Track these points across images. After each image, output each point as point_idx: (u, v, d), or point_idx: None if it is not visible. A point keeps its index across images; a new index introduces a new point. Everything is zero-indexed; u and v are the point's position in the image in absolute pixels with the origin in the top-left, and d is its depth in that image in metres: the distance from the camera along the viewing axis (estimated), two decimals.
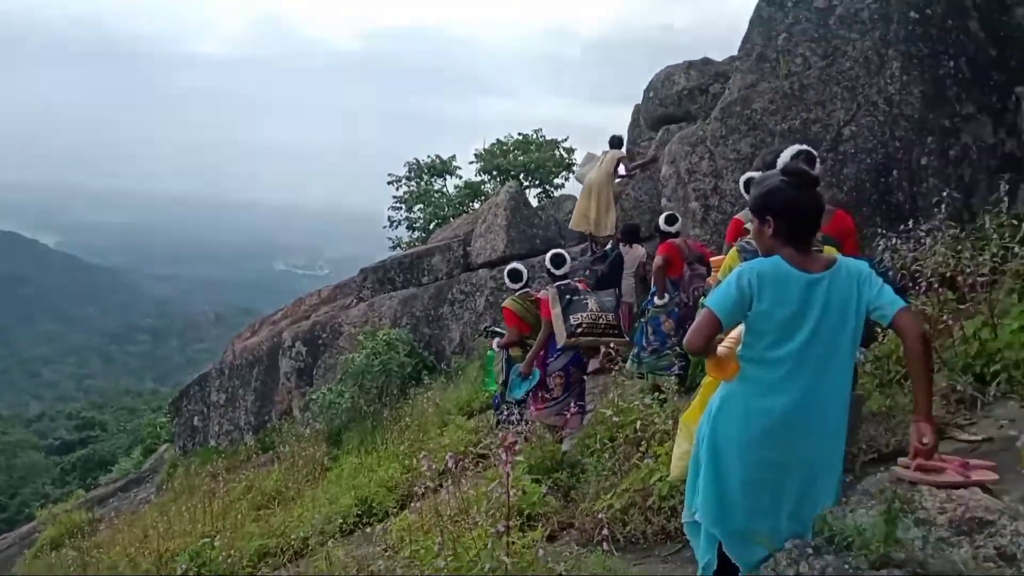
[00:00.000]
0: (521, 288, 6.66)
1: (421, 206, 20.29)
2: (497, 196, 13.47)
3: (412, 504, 6.38)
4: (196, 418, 15.80)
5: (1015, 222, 5.24)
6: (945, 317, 4.77)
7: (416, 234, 20.15)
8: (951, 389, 4.53)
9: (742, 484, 2.60)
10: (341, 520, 7.28)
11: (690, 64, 11.39)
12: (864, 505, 2.42)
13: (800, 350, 2.52)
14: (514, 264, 6.74)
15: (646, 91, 11.98)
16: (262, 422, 14.02)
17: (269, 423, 13.77)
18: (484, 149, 20.17)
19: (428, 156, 21.19)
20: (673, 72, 11.43)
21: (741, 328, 2.66)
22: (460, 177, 20.99)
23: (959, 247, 5.19)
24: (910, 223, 5.79)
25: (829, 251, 3.12)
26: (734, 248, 3.67)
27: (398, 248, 19.88)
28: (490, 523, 4.21)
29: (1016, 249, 4.82)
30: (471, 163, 20.23)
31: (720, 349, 2.66)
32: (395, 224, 20.88)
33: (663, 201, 8.43)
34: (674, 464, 3.27)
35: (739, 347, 2.66)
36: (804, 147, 4.37)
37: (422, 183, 20.75)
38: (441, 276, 13.09)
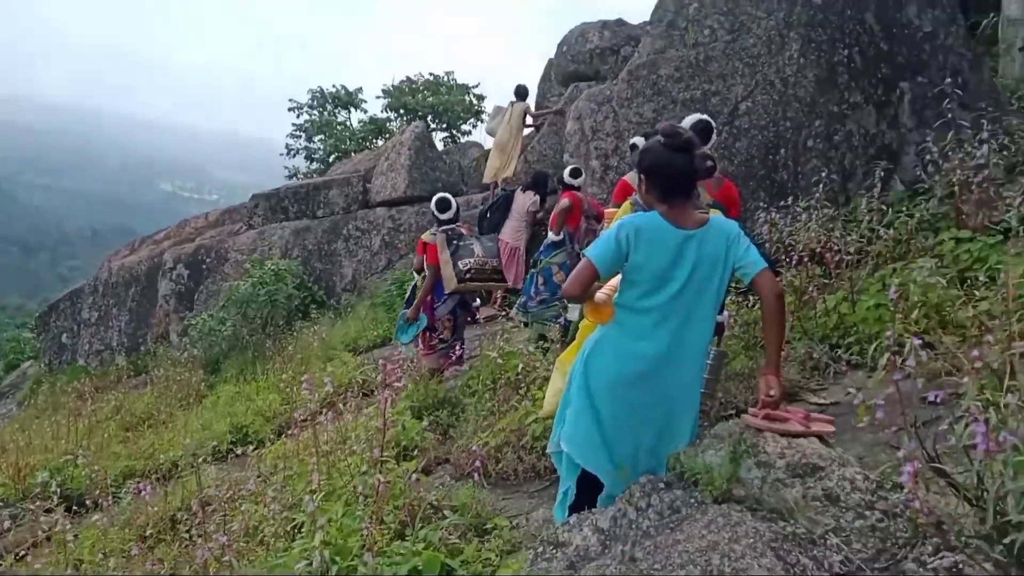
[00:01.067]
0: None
1: (322, 137, 19.71)
2: (402, 135, 13.24)
3: (289, 432, 6.34)
4: (65, 335, 15.00)
5: (884, 207, 5.65)
6: (811, 289, 5.11)
7: (315, 165, 19.61)
8: (808, 356, 4.89)
9: (608, 419, 2.77)
10: (214, 445, 7.16)
11: (604, 24, 11.44)
12: (714, 448, 2.61)
13: (669, 301, 2.69)
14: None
15: (559, 45, 11.96)
16: (136, 344, 13.46)
17: (143, 346, 13.24)
18: (393, 86, 19.72)
19: (333, 86, 20.53)
20: (588, 30, 11.45)
21: (619, 277, 2.80)
22: (365, 112, 20.50)
23: (831, 226, 5.56)
24: (790, 200, 6.15)
25: (715, 214, 3.30)
26: (627, 202, 3.80)
27: (295, 178, 19.28)
28: (367, 452, 4.29)
29: (881, 232, 5.20)
30: (378, 98, 19.77)
31: (598, 295, 2.82)
32: (293, 153, 20.23)
33: (566, 156, 8.52)
34: (547, 400, 3.43)
35: (615, 295, 2.81)
36: (703, 117, 4.58)
37: (325, 113, 20.11)
38: (338, 211, 12.82)
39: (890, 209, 5.61)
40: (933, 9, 7.65)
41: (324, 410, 5.56)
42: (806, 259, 5.41)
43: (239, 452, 6.35)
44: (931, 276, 4.20)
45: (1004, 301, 3.95)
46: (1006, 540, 1.64)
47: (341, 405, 5.90)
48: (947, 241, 5.14)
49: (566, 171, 7.23)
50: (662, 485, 2.56)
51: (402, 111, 19.33)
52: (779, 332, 2.72)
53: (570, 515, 2.92)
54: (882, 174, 5.63)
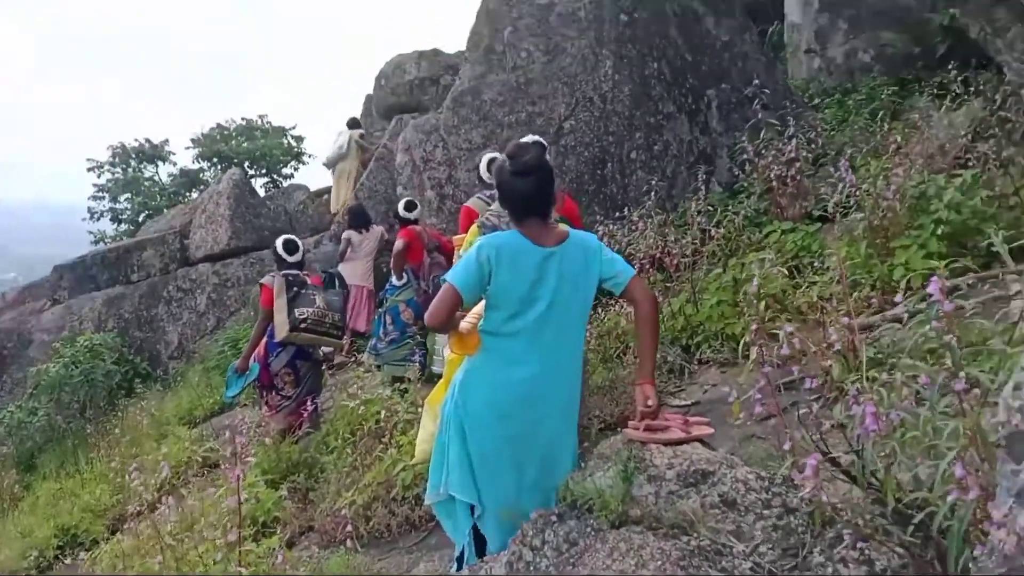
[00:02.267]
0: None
1: (129, 195, 18.26)
2: (219, 184, 12.47)
3: (125, 527, 5.63)
4: None
5: (711, 208, 5.89)
6: (658, 295, 5.21)
7: (124, 227, 18.10)
8: (663, 360, 4.96)
9: (489, 454, 2.61)
10: (37, 555, 6.26)
11: (421, 54, 11.42)
12: (601, 468, 2.49)
13: (537, 321, 2.57)
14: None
15: (377, 79, 11.82)
16: None
17: None
18: (203, 134, 18.66)
19: (136, 139, 19.14)
20: (404, 61, 11.39)
21: (482, 304, 2.65)
22: (175, 164, 19.25)
23: (665, 232, 5.72)
24: (625, 211, 6.30)
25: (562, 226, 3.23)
26: (475, 224, 3.68)
27: (101, 243, 17.70)
28: (220, 535, 3.83)
29: (712, 232, 5.40)
30: (188, 148, 18.64)
31: (463, 324, 2.66)
32: (97, 216, 18.58)
33: (399, 189, 8.33)
34: (419, 447, 3.19)
35: (480, 322, 2.65)
36: (536, 138, 4.57)
37: (129, 170, 18.68)
38: (154, 272, 11.83)
39: (717, 210, 5.85)
40: (727, 19, 8.20)
41: (163, 496, 4.98)
42: (647, 265, 5.53)
43: (69, 559, 5.57)
44: (770, 267, 4.36)
45: (836, 284, 4.18)
46: (915, 521, 1.61)
47: (182, 489, 5.32)
48: (773, 233, 5.42)
49: (400, 205, 7.03)
50: (554, 518, 2.40)
51: (216, 160, 18.30)
52: (654, 339, 2.67)
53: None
54: (704, 178, 5.87)
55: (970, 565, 1.48)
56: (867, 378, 2.62)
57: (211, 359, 10.04)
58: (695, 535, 2.04)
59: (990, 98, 5.82)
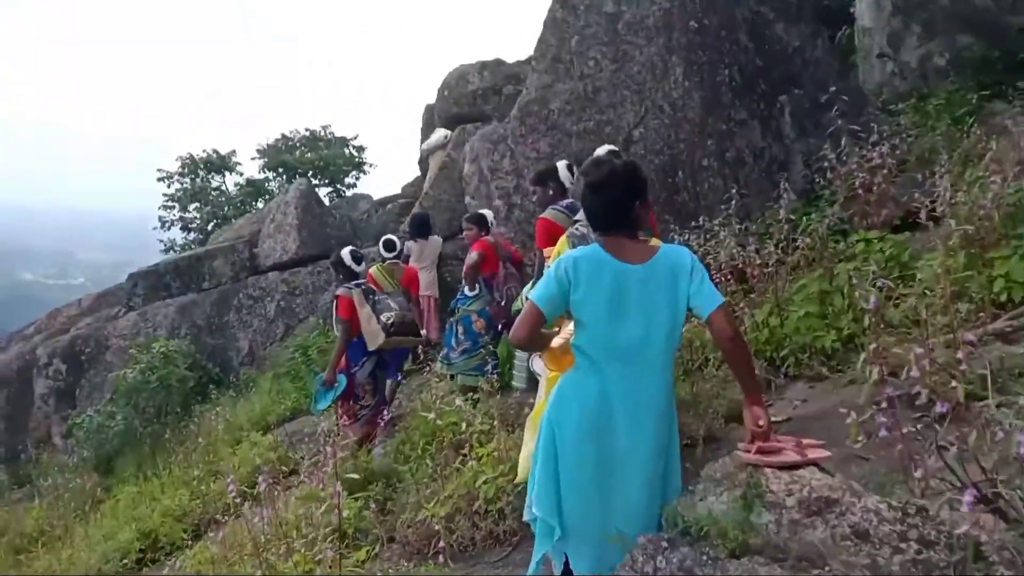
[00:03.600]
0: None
1: (197, 205, 18.79)
2: (286, 194, 12.73)
3: (208, 534, 5.75)
4: None
5: (791, 218, 5.76)
6: (742, 305, 5.10)
7: (193, 236, 18.63)
8: None
9: (575, 473, 2.57)
10: (122, 558, 6.42)
11: (483, 64, 11.45)
12: (712, 493, 2.42)
13: (625, 338, 2.52)
14: (388, 235, 6.41)
15: (440, 90, 11.88)
16: (14, 453, 12.14)
17: (24, 454, 11.97)
18: (268, 144, 19.10)
19: (204, 150, 19.68)
20: (467, 72, 11.43)
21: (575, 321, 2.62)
22: (241, 174, 19.74)
23: (745, 241, 5.60)
24: (700, 219, 6.19)
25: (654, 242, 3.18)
26: (564, 235, 3.65)
27: (172, 251, 18.25)
28: (307, 547, 3.86)
29: (797, 241, 5.26)
30: (253, 159, 19.11)
31: (555, 341, 2.66)
32: (168, 225, 19.16)
33: (467, 199, 8.36)
34: (520, 466, 3.17)
35: (572, 338, 2.62)
36: (611, 148, 4.53)
37: (197, 180, 19.21)
38: (225, 280, 12.12)
39: (804, 218, 5.71)
40: (798, 25, 8.02)
41: (244, 501, 5.06)
42: (728, 276, 5.42)
43: (152, 562, 5.70)
44: (872, 279, 4.22)
45: (935, 296, 4.02)
46: None
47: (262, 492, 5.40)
48: (859, 243, 5.26)
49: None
50: (665, 544, 2.33)
51: (280, 170, 18.71)
52: (747, 364, 2.57)
53: None
54: (787, 186, 5.73)
55: None
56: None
57: (281, 366, 10.23)
58: (826, 568, 1.96)
59: None
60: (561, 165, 5.02)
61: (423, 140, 12.28)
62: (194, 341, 11.38)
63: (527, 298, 2.63)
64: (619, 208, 2.62)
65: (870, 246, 5.16)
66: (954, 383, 2.38)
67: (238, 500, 4.82)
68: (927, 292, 4.22)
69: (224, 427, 8.84)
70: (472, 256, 6.41)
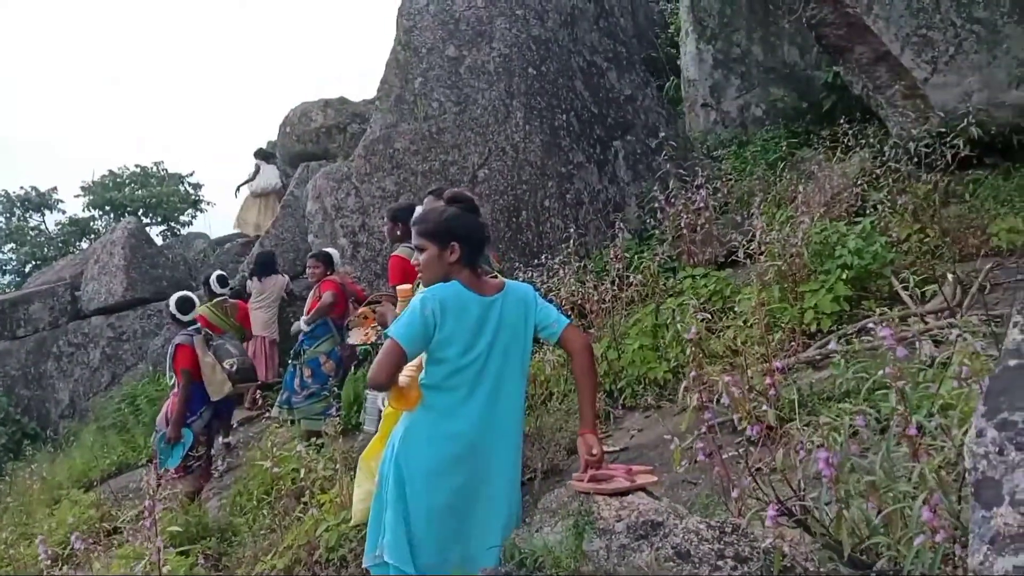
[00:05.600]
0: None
1: (13, 245, 17.20)
2: (112, 233, 11.89)
3: None
4: None
5: (626, 255, 6.04)
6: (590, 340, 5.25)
7: (8, 278, 17.03)
8: None
9: (429, 513, 2.53)
10: None
11: (327, 102, 11.33)
12: (548, 523, 2.45)
13: (478, 373, 2.55)
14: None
15: (282, 127, 11.62)
16: None
17: None
18: (94, 181, 17.83)
19: (22, 187, 18.11)
20: (310, 109, 11.26)
21: (421, 357, 2.59)
22: (63, 212, 18.29)
23: (584, 278, 5.81)
24: (542, 258, 6.37)
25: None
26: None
27: None
28: None
29: (631, 278, 5.52)
30: (77, 196, 17.76)
31: (401, 379, 2.58)
32: None
33: (310, 237, 8.15)
34: (355, 508, 3.07)
35: (420, 374, 2.59)
36: (455, 190, 4.57)
37: (14, 219, 17.61)
38: (43, 326, 11.11)
39: (637, 256, 6.00)
40: (629, 74, 8.53)
41: (60, 564, 4.59)
42: (569, 311, 5.59)
43: None
44: (693, 313, 4.47)
45: (752, 327, 4.33)
46: (876, 568, 1.66)
47: (83, 557, 4.91)
48: (685, 279, 5.59)
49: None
50: None
51: (108, 208, 17.50)
52: (593, 387, 2.68)
53: None
54: (622, 226, 6.02)
55: None
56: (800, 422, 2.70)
57: (106, 417, 9.45)
58: None
59: (878, 149, 6.25)
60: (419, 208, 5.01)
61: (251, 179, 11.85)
62: (7, 392, 10.40)
63: (386, 335, 2.56)
64: (485, 239, 2.70)
65: (696, 282, 5.50)
66: (765, 407, 2.55)
67: (50, 565, 4.37)
68: (745, 324, 4.54)
69: (40, 486, 8.02)
70: (327, 297, 6.27)
